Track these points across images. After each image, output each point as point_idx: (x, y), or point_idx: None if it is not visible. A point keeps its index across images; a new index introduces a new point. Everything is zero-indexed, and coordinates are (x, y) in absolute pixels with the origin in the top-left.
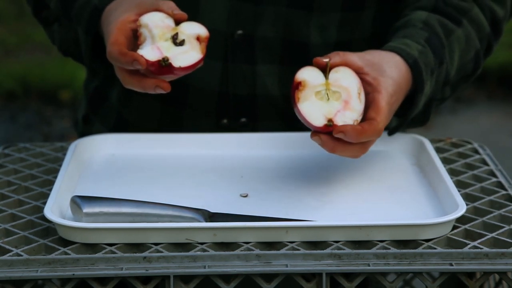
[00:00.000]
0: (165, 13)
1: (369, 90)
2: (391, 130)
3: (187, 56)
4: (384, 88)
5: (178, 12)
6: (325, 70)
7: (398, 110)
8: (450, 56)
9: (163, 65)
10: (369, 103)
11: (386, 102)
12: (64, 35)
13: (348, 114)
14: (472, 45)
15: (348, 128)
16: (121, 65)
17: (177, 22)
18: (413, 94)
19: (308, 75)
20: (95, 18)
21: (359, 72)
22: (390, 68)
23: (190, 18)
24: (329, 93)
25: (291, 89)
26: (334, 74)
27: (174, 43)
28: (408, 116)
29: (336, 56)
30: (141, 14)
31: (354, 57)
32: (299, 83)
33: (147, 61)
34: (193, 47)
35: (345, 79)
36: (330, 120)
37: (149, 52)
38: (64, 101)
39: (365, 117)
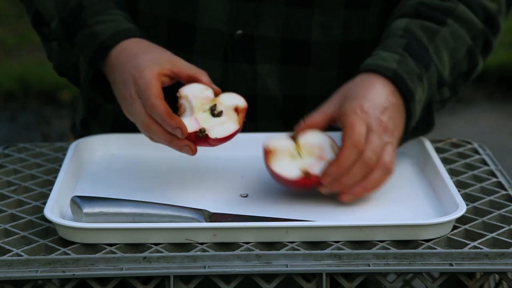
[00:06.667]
0: (204, 84)
1: (340, 122)
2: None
3: (224, 127)
4: (350, 109)
5: (214, 86)
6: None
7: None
8: (438, 57)
9: (200, 136)
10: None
11: (356, 116)
12: (62, 58)
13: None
14: (462, 43)
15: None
16: (161, 123)
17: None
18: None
19: (277, 143)
20: (101, 53)
21: (330, 121)
22: (357, 93)
23: (190, 18)
24: (301, 151)
25: (264, 158)
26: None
27: (212, 114)
28: (408, 126)
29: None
30: (174, 72)
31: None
32: (270, 151)
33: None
34: (230, 118)
35: (314, 138)
36: (306, 172)
37: (187, 123)
38: (64, 101)
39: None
